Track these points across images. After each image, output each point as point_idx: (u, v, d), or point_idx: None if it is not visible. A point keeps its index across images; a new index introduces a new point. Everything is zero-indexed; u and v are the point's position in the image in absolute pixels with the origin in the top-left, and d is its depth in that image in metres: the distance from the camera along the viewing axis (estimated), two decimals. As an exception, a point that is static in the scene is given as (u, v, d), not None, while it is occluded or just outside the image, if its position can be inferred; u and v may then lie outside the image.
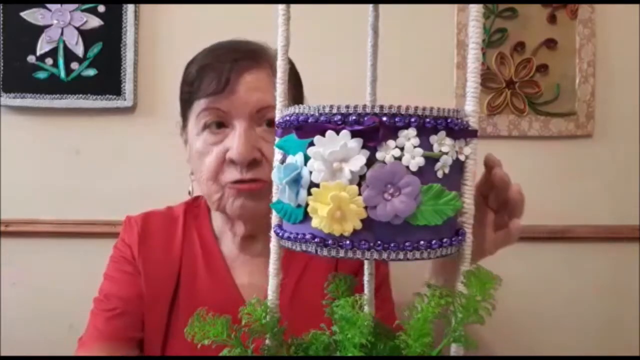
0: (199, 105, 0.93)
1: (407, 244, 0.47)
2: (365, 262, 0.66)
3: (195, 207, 1.09)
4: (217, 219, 1.05)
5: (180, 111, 1.01)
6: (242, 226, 0.99)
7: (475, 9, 0.48)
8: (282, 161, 0.52)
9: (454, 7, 1.60)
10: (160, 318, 0.98)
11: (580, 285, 1.63)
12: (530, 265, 1.61)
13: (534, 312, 1.62)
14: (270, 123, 0.91)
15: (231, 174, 0.91)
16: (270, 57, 0.94)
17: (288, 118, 0.51)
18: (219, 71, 0.90)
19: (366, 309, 0.61)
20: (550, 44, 1.60)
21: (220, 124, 0.93)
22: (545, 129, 1.61)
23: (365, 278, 0.66)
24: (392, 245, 0.47)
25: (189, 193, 1.07)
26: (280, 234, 0.51)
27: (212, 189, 0.94)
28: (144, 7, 1.59)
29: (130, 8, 1.56)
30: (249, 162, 0.90)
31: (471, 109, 0.50)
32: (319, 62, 1.48)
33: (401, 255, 0.47)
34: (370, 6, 0.64)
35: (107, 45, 1.56)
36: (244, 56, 0.92)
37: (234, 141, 0.90)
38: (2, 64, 1.55)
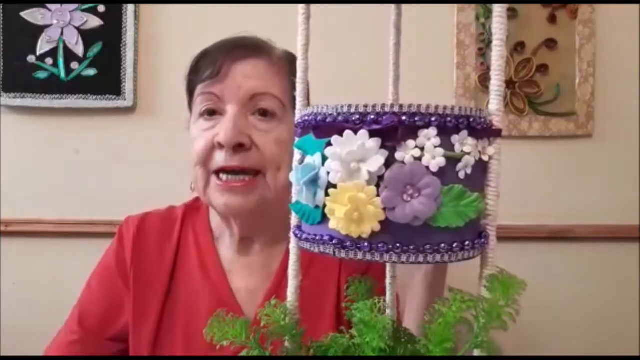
0: (197, 91, 0.94)
1: (427, 246, 0.46)
2: (387, 264, 0.65)
3: (195, 209, 1.07)
4: (216, 219, 1.03)
5: (188, 103, 1.01)
6: (235, 225, 0.98)
7: (498, 7, 0.47)
8: (301, 162, 0.51)
9: (454, 7, 1.60)
10: (152, 319, 0.97)
11: (580, 285, 1.63)
12: (530, 265, 1.62)
13: (533, 312, 1.62)
14: (263, 112, 0.92)
15: (217, 158, 0.90)
16: (270, 49, 0.96)
17: (307, 118, 0.50)
18: (215, 58, 0.92)
19: (388, 312, 0.60)
20: (550, 44, 1.60)
21: (214, 112, 0.93)
22: (545, 129, 1.61)
23: (388, 281, 0.65)
24: (411, 247, 0.45)
25: (191, 188, 1.03)
26: (299, 235, 0.50)
27: (198, 174, 0.93)
28: (144, 7, 1.59)
29: (130, 8, 1.56)
30: (235, 146, 0.88)
31: (495, 107, 0.49)
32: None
33: (421, 258, 0.46)
34: (392, 6, 0.63)
35: (107, 45, 1.56)
36: (240, 46, 0.94)
37: (223, 125, 0.90)
38: (2, 64, 1.54)
